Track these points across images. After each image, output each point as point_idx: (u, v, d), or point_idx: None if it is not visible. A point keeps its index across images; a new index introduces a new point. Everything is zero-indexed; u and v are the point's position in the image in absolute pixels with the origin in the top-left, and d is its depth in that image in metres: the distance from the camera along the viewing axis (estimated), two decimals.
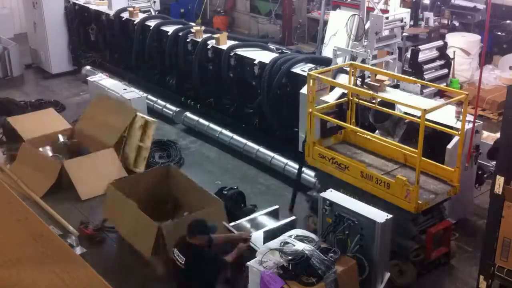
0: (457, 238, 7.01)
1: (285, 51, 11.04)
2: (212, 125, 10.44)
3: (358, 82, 7.80)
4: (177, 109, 11.18)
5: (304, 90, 8.23)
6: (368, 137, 7.36)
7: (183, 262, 5.51)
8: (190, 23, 12.67)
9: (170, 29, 11.76)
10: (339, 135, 7.58)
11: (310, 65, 9.48)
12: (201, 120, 10.64)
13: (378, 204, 6.24)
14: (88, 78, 10.81)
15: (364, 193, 6.67)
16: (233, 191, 7.79)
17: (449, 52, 11.37)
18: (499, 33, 13.65)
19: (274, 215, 6.73)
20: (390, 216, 5.71)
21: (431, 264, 6.73)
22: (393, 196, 6.38)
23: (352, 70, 7.62)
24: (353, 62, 8.32)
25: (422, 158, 6.34)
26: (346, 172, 6.87)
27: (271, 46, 11.06)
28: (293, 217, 6.48)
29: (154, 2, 13.80)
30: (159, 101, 11.50)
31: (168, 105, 11.39)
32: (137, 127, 9.11)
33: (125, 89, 9.99)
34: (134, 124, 9.15)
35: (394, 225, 5.84)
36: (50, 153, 8.93)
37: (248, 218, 6.66)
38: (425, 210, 6.40)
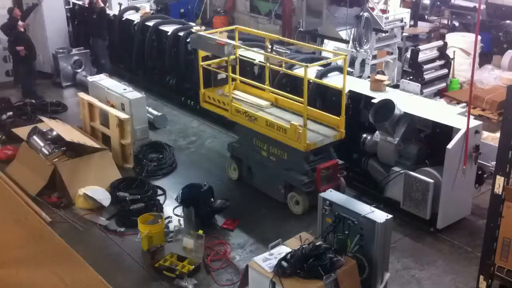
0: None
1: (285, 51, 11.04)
2: None
3: (268, 50, 8.77)
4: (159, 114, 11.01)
5: None
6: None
7: None
8: (190, 23, 12.69)
9: (169, 29, 11.77)
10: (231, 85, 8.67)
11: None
12: None
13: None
14: (88, 78, 10.78)
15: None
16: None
17: (449, 52, 11.38)
18: (499, 33, 13.66)
19: None
20: (390, 216, 5.72)
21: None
22: (289, 139, 7.68)
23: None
24: (238, 26, 9.50)
25: (314, 109, 8.11)
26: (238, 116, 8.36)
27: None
28: None
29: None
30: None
31: (150, 110, 11.09)
32: (114, 126, 9.20)
33: (125, 89, 9.99)
34: (111, 124, 9.29)
35: (291, 163, 7.75)
36: (41, 143, 8.93)
37: None
38: (316, 151, 7.79)
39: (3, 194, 4.02)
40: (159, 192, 8.65)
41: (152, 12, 14.08)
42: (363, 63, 11.08)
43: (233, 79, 8.79)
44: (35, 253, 3.25)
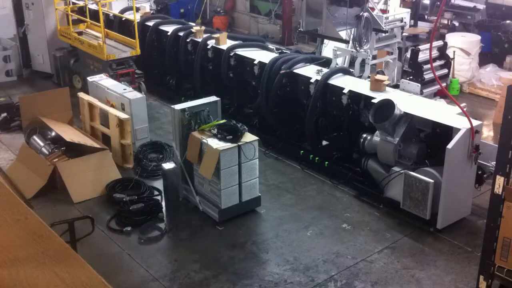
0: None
1: (285, 51, 11.05)
2: None
3: None
4: None
5: None
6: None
7: None
8: (190, 23, 12.69)
9: (169, 29, 11.76)
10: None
11: (310, 65, 9.49)
12: None
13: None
14: (88, 78, 10.77)
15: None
16: None
17: (449, 52, 11.37)
18: (499, 33, 13.65)
19: None
20: None
21: None
22: (96, 52, 11.33)
23: None
24: None
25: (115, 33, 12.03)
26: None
27: (271, 46, 11.06)
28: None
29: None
30: None
31: None
32: (114, 126, 9.21)
33: (125, 89, 9.98)
34: (111, 124, 9.30)
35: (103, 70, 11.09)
36: (41, 143, 8.93)
37: None
38: (118, 62, 11.33)
39: (3, 194, 4.02)
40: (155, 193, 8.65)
41: (152, 12, 14.09)
42: (363, 63, 11.08)
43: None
44: (35, 253, 3.25)
